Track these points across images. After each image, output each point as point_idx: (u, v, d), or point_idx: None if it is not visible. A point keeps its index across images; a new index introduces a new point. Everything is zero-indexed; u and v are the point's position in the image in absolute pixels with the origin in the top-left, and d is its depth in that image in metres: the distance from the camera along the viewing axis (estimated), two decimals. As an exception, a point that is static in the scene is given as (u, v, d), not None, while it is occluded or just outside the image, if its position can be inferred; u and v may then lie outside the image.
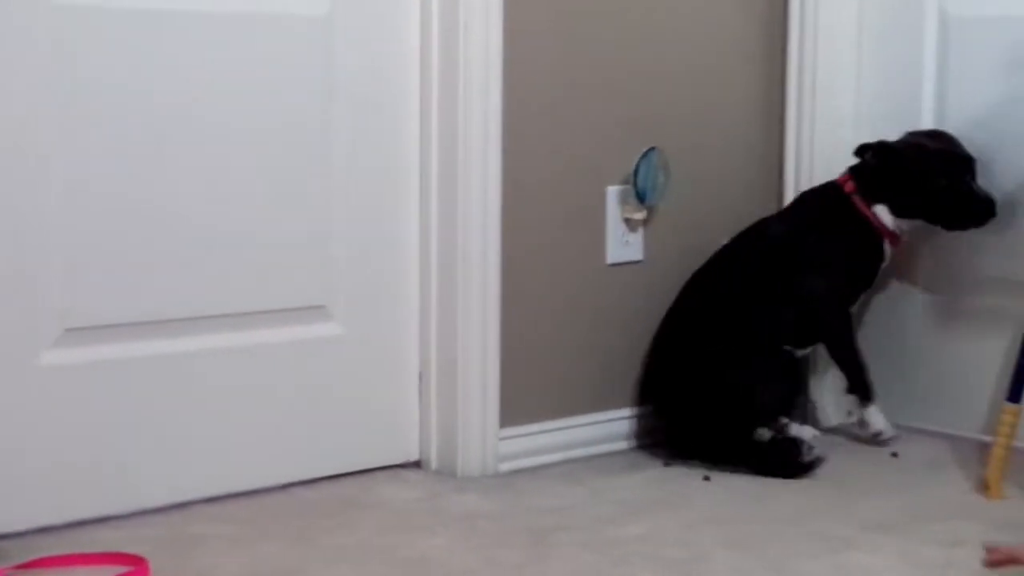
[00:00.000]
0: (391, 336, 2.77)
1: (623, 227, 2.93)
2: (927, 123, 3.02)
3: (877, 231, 2.94)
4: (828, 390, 3.16)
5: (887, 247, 2.96)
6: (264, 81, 2.58)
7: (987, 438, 2.85)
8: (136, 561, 2.20)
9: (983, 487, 2.69)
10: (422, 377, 2.78)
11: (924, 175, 2.89)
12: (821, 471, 2.82)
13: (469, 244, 2.72)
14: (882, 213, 2.93)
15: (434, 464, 2.77)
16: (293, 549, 2.33)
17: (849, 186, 2.95)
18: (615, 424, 2.92)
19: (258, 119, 2.58)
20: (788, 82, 3.20)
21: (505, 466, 2.77)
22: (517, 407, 2.78)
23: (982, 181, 2.91)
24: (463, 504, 2.58)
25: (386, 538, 2.38)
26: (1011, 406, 2.74)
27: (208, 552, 2.30)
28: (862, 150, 2.95)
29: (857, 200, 2.94)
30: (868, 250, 2.95)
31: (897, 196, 2.92)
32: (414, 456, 2.80)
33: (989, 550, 1.69)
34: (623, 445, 2.93)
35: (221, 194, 2.55)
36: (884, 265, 2.99)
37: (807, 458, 2.83)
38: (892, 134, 3.05)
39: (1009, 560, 1.68)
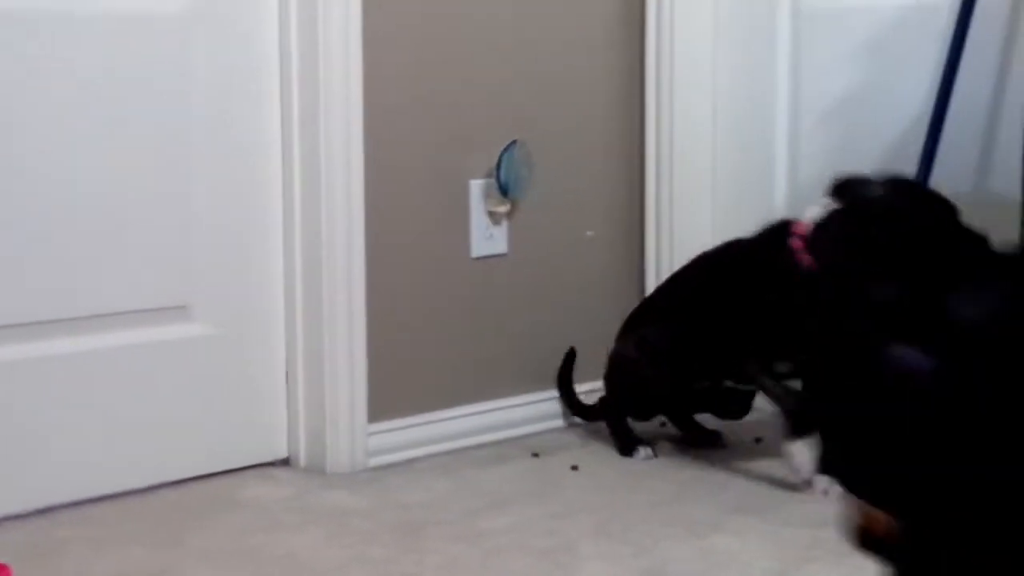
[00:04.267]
0: (256, 334, 2.76)
1: (487, 220, 2.94)
2: (783, 113, 3.06)
3: None
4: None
5: None
6: (121, 75, 2.55)
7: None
8: (-1, 568, 2.16)
9: (843, 469, 2.75)
10: (288, 374, 2.77)
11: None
12: (687, 457, 2.86)
13: (334, 240, 2.71)
14: None
15: (303, 461, 2.76)
16: (161, 551, 2.30)
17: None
18: (484, 416, 2.93)
19: (114, 114, 2.55)
20: (647, 78, 3.24)
21: (375, 461, 2.77)
22: (386, 402, 2.79)
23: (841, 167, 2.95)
24: (332, 501, 2.57)
25: (255, 537, 2.36)
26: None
27: (74, 557, 2.26)
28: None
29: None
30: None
31: None
32: (283, 454, 2.79)
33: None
34: (492, 437, 2.94)
35: (78, 195, 2.51)
36: None
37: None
38: (749, 125, 3.11)
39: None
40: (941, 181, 2.86)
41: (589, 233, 3.19)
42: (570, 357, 3.04)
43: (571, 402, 3.05)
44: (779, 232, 2.66)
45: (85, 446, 2.54)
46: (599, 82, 3.18)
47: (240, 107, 2.71)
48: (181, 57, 2.62)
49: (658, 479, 2.76)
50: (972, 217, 2.91)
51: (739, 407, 2.96)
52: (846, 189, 2.51)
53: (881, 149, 3.07)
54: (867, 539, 1.41)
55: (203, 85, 2.65)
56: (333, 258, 2.71)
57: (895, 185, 2.53)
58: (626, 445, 2.91)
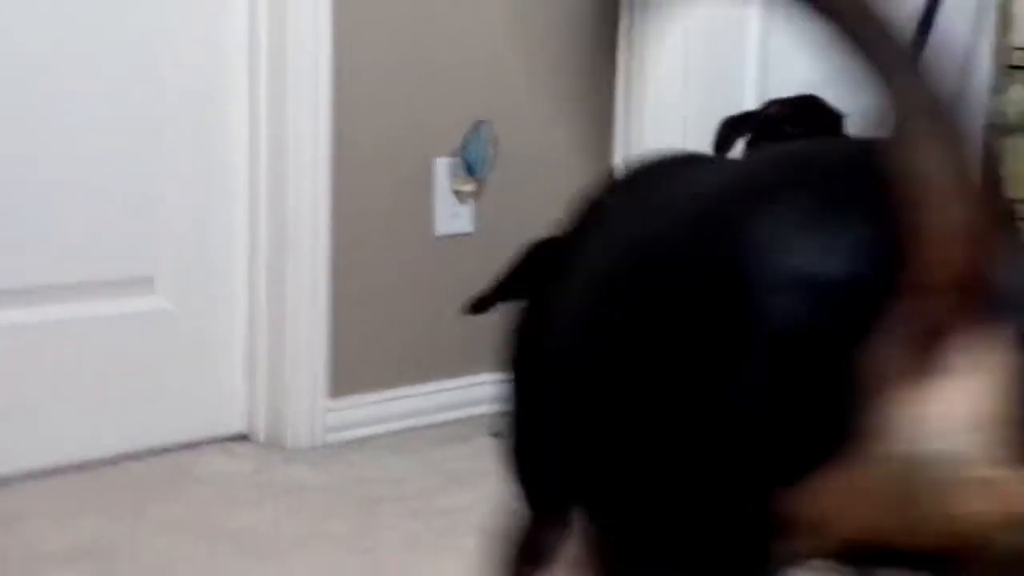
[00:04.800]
0: (218, 308, 2.75)
1: (453, 199, 2.94)
2: (751, 99, 3.06)
3: None
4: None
5: None
6: (89, 48, 2.54)
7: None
8: (-46, 538, 2.16)
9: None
10: (250, 349, 2.77)
11: None
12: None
13: (298, 216, 2.70)
14: None
15: (262, 436, 2.76)
16: (119, 523, 2.30)
17: None
18: (444, 395, 2.93)
19: (83, 84, 2.53)
20: (617, 59, 3.24)
21: (334, 437, 2.77)
22: (346, 378, 2.78)
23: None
24: (291, 476, 2.57)
25: (213, 511, 2.36)
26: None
27: (31, 528, 2.26)
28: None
29: None
30: None
31: None
32: (242, 429, 2.79)
33: None
34: (452, 416, 2.94)
35: (44, 161, 2.50)
36: None
37: None
38: (719, 109, 3.11)
39: None
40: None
41: (557, 217, 3.20)
42: None
43: None
44: None
45: (44, 416, 2.53)
46: (568, 63, 3.17)
47: (208, 82, 2.70)
48: (151, 32, 2.61)
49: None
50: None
51: None
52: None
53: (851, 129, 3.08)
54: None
55: (172, 58, 2.64)
56: (297, 234, 2.71)
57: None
58: None
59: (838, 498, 0.92)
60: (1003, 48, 2.32)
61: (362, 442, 2.78)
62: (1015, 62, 2.30)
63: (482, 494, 2.49)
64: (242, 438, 2.78)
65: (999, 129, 2.32)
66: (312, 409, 2.75)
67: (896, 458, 0.91)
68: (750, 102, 3.06)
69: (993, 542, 0.91)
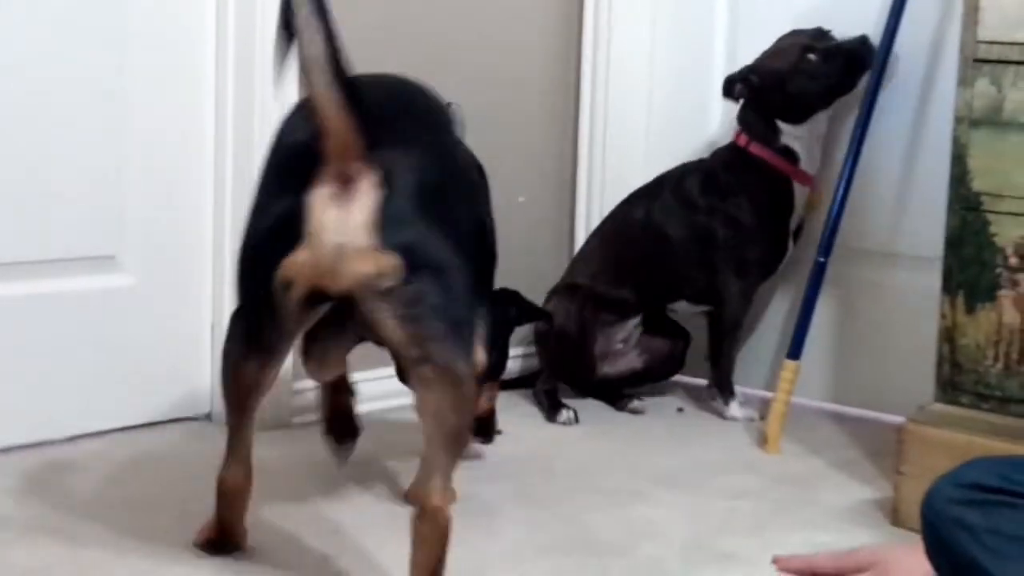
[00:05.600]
0: (183, 287, 2.74)
1: (420, 182, 2.93)
2: (718, 84, 3.06)
3: (784, 175, 2.97)
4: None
5: (798, 192, 2.99)
6: (54, 23, 2.52)
7: (769, 394, 2.95)
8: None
9: (763, 441, 2.79)
10: (215, 329, 2.76)
11: (794, 64, 2.91)
12: (609, 426, 2.88)
13: (264, 196, 2.69)
14: (787, 137, 2.96)
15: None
16: (81, 501, 2.29)
17: (742, 139, 3.00)
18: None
19: (47, 63, 2.52)
20: (583, 45, 3.26)
21: (299, 419, 2.76)
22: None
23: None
24: (255, 457, 2.56)
25: (175, 490, 2.36)
26: (791, 363, 2.84)
27: (-9, 505, 2.25)
28: (729, 90, 2.98)
29: (755, 149, 2.97)
30: (778, 202, 2.98)
31: (787, 101, 2.93)
32: (205, 409, 2.78)
33: (778, 560, 1.74)
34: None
35: (5, 140, 2.48)
36: (796, 217, 3.01)
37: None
38: (685, 95, 3.12)
39: (808, 570, 1.73)
40: (875, 150, 2.90)
41: (521, 199, 3.20)
42: None
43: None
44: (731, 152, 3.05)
45: (3, 394, 2.52)
46: (535, 48, 3.18)
47: (175, 59, 2.69)
48: (117, 6, 2.59)
49: (580, 448, 2.78)
50: (904, 194, 2.94)
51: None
52: (732, 80, 2.98)
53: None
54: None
55: (139, 34, 2.62)
56: (263, 214, 2.70)
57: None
58: (553, 409, 2.93)
59: (301, 266, 1.75)
60: (969, 41, 2.33)
61: (326, 424, 2.77)
62: (981, 55, 2.32)
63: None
64: (205, 418, 2.77)
65: (965, 122, 2.33)
66: (277, 391, 2.74)
67: (326, 243, 1.74)
68: (716, 100, 3.07)
69: (367, 288, 1.75)
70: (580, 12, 3.27)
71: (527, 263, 3.16)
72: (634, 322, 3.08)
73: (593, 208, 3.31)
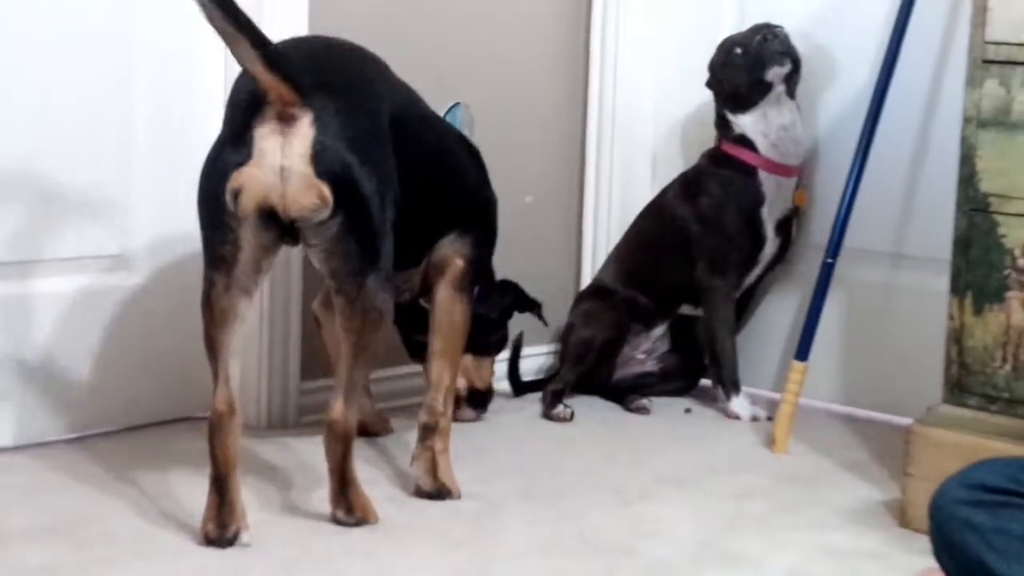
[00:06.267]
0: (193, 288, 2.73)
1: (428, 182, 2.93)
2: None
3: (748, 165, 3.00)
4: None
5: (769, 181, 3.00)
6: (58, 12, 2.52)
7: (777, 395, 2.94)
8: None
9: (771, 442, 2.78)
10: (222, 328, 2.76)
11: (724, 60, 3.03)
12: (616, 425, 2.88)
13: (272, 195, 2.69)
14: (738, 127, 3.01)
15: (234, 416, 2.75)
16: (88, 500, 2.29)
17: (718, 139, 3.07)
18: (413, 379, 2.93)
19: (54, 59, 2.52)
20: (591, 45, 3.26)
21: (307, 419, 2.76)
22: (319, 361, 2.77)
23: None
24: (262, 456, 2.57)
25: (182, 489, 2.36)
26: (799, 364, 2.83)
27: (-1, 504, 2.25)
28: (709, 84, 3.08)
29: (725, 146, 3.04)
30: (741, 192, 3.01)
31: (725, 93, 3.03)
32: (213, 408, 2.78)
33: None
34: (420, 400, 2.93)
35: (10, 137, 2.49)
36: (776, 208, 3.03)
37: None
38: (691, 94, 3.13)
39: None
40: (883, 151, 2.90)
41: (528, 198, 3.20)
42: (517, 347, 3.06)
43: (518, 388, 3.09)
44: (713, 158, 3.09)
45: (12, 393, 2.52)
46: (543, 48, 3.18)
47: (182, 60, 2.69)
48: (125, 6, 2.60)
49: (587, 447, 2.77)
50: (912, 195, 2.94)
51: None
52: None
53: (825, 121, 3.10)
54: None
55: (146, 36, 2.63)
56: (271, 213, 2.70)
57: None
58: (551, 405, 2.93)
59: (247, 177, 2.03)
60: (978, 42, 2.33)
61: (333, 423, 2.77)
62: (990, 56, 2.31)
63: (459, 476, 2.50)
64: (213, 417, 2.77)
65: (973, 123, 2.33)
66: (284, 390, 2.75)
67: (270, 163, 2.02)
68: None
69: (307, 220, 2.04)
70: (588, 16, 3.26)
71: (534, 263, 3.16)
72: (658, 332, 3.10)
73: (601, 208, 3.31)
